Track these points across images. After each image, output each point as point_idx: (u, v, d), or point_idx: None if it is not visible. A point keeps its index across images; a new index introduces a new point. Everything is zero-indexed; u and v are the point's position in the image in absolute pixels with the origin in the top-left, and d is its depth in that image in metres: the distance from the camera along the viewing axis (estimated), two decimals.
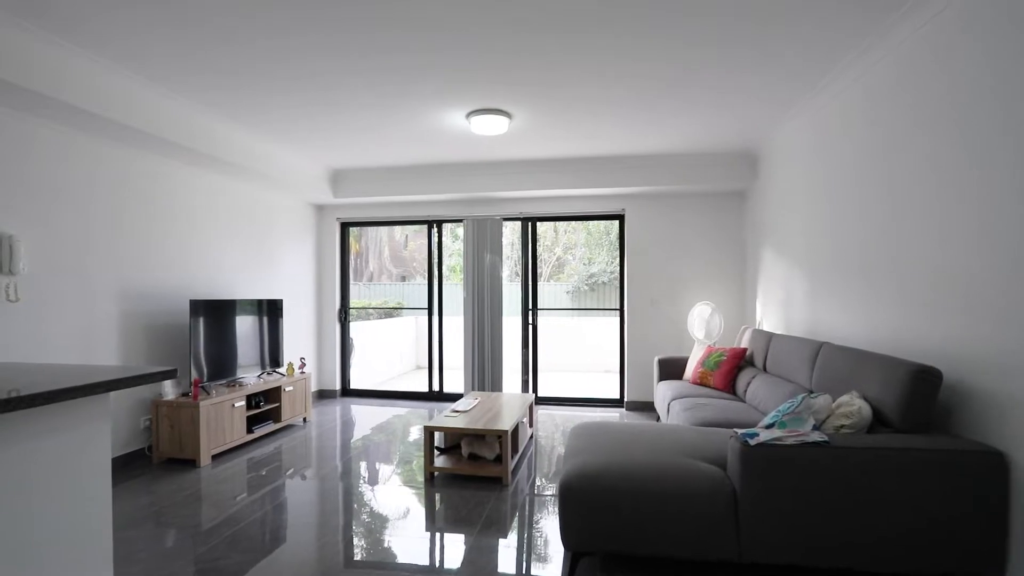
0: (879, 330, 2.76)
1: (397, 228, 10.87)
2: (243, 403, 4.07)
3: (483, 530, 2.68)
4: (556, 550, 2.48)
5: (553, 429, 4.69)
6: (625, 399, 5.56)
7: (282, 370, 4.81)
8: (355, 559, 2.41)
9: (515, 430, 3.65)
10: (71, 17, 2.48)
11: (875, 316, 2.80)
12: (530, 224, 5.81)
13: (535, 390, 5.83)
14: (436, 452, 3.61)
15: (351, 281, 6.39)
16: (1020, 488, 1.86)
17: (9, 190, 2.95)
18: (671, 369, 4.66)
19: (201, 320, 3.91)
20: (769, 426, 2.29)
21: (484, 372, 5.66)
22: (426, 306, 6.13)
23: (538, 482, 3.39)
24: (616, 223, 5.78)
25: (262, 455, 3.92)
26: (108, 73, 3.01)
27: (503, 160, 5.14)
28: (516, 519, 2.84)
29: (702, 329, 4.99)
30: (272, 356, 4.69)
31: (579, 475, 2.14)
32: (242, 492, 3.20)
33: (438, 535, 2.68)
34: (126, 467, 3.57)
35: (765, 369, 3.81)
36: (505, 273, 5.88)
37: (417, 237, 10.94)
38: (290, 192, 5.32)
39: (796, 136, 3.87)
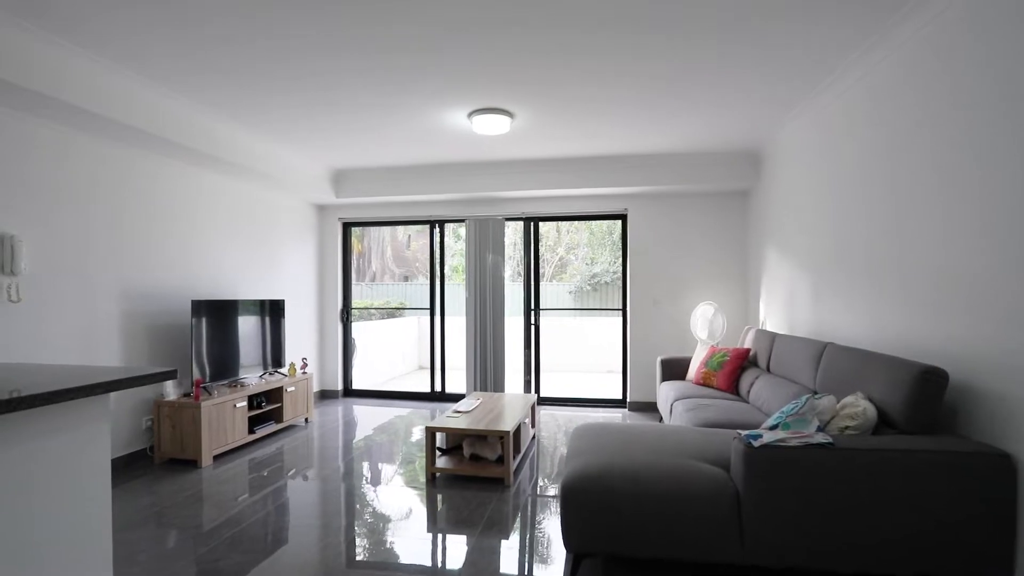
0: (884, 330, 2.74)
1: (400, 228, 10.87)
2: (245, 403, 4.07)
3: (485, 531, 2.66)
4: (558, 551, 2.46)
5: (555, 430, 4.68)
6: (628, 400, 5.54)
7: (284, 370, 4.81)
8: (357, 560, 2.40)
9: (517, 431, 3.64)
10: (71, 17, 2.48)
11: (880, 316, 2.78)
12: (532, 224, 5.80)
13: (537, 390, 5.82)
14: (438, 453, 3.60)
15: (353, 281, 6.39)
16: None
17: (10, 190, 2.95)
18: (674, 369, 4.65)
19: (203, 320, 3.91)
20: (773, 427, 2.27)
21: (486, 372, 5.65)
22: (428, 306, 6.12)
23: (540, 483, 3.37)
24: (619, 223, 5.76)
25: (264, 455, 3.92)
26: (108, 73, 3.01)
27: (505, 160, 5.13)
28: (518, 520, 2.83)
29: (705, 329, 4.96)
30: (274, 356, 4.69)
31: (581, 476, 2.13)
32: (244, 493, 3.19)
33: (440, 536, 2.67)
34: (128, 467, 3.57)
35: (769, 370, 3.79)
36: (507, 273, 5.86)
37: (420, 237, 10.93)
38: (292, 192, 5.31)
39: (799, 135, 3.85)
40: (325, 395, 6.13)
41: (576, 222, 8.74)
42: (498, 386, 5.64)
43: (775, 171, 4.43)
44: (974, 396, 2.09)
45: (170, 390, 3.81)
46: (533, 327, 5.81)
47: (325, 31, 2.62)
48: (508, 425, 3.37)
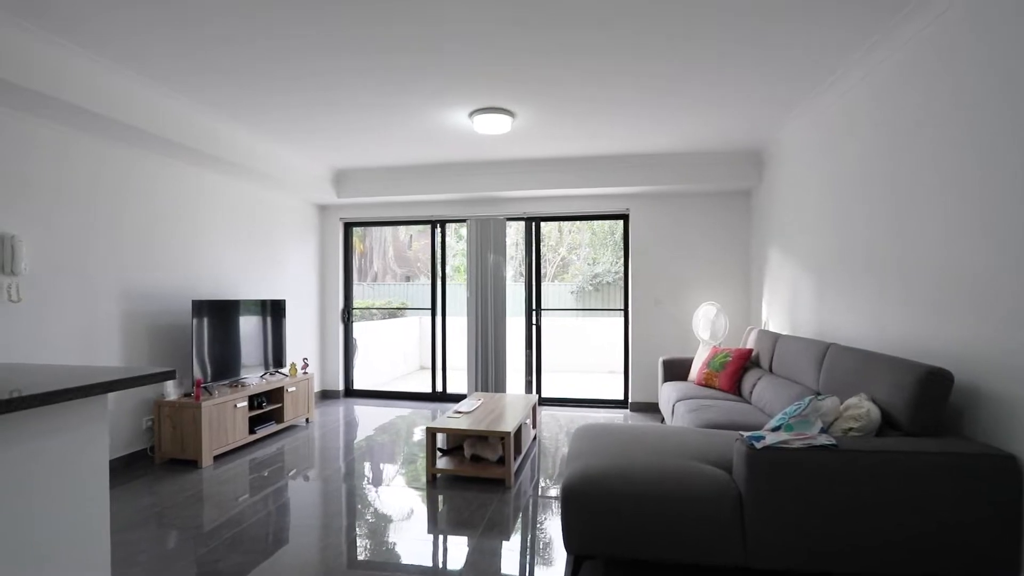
0: (887, 330, 2.72)
1: (402, 228, 10.87)
2: (245, 404, 4.06)
3: (485, 532, 2.65)
4: (559, 553, 2.45)
5: (557, 430, 4.66)
6: (629, 400, 5.52)
7: (285, 370, 4.80)
8: (357, 560, 2.39)
9: (518, 431, 3.63)
10: (71, 17, 2.47)
11: (883, 316, 2.76)
12: (534, 224, 5.79)
13: (539, 391, 5.80)
14: (439, 454, 3.59)
15: (356, 281, 6.39)
16: None
17: (10, 190, 2.95)
18: (676, 370, 4.63)
19: (204, 320, 3.91)
20: (776, 429, 2.25)
21: (488, 373, 5.64)
22: (430, 306, 6.11)
23: (541, 484, 3.36)
24: (620, 223, 5.75)
25: (264, 456, 3.91)
26: (109, 73, 3.01)
27: (506, 160, 5.12)
28: (519, 521, 2.81)
29: (707, 330, 4.95)
30: (275, 356, 4.68)
31: (582, 478, 2.12)
32: (244, 493, 3.19)
33: (440, 537, 2.66)
34: (128, 467, 3.56)
35: (771, 370, 3.77)
36: (509, 273, 5.85)
37: (421, 237, 10.93)
38: (293, 192, 5.31)
39: (801, 135, 3.83)
40: (326, 395, 6.13)
41: (578, 222, 8.73)
42: (499, 386, 5.63)
43: (777, 171, 4.41)
44: (979, 398, 2.08)
45: (171, 390, 3.80)
46: (534, 327, 5.80)
47: (325, 31, 2.61)
48: (509, 426, 3.35)
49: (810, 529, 1.92)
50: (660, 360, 4.77)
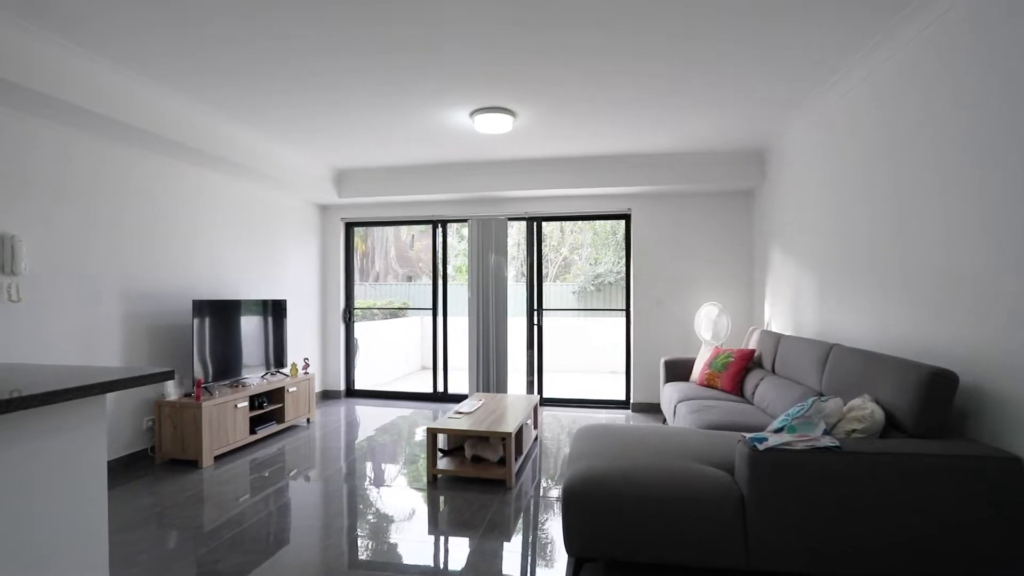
0: (890, 331, 2.71)
1: (403, 228, 10.86)
2: (246, 404, 4.06)
3: (486, 533, 2.64)
4: (560, 554, 2.44)
5: (558, 431, 4.65)
6: (631, 400, 5.51)
7: (286, 371, 4.80)
8: (358, 561, 2.38)
9: (519, 432, 3.62)
10: (71, 17, 2.47)
11: (886, 317, 2.75)
12: (535, 224, 5.78)
13: (540, 391, 5.79)
14: (440, 454, 3.58)
15: (357, 281, 6.39)
16: None
17: (10, 190, 2.95)
18: (678, 370, 4.61)
19: (204, 320, 3.90)
20: (778, 430, 2.24)
21: (489, 373, 5.63)
22: (431, 306, 6.11)
23: (543, 485, 3.35)
24: (622, 223, 5.73)
25: (265, 456, 3.91)
26: (109, 73, 3.01)
27: (508, 159, 5.11)
28: (520, 522, 2.80)
29: (709, 330, 4.93)
30: (276, 357, 4.68)
31: (583, 479, 2.10)
32: (245, 493, 3.18)
33: (441, 538, 2.65)
34: (128, 468, 3.56)
35: (774, 371, 3.75)
36: (510, 273, 5.84)
37: (423, 237, 10.92)
38: (294, 192, 5.31)
39: (803, 135, 3.82)
40: (327, 395, 6.12)
41: (580, 222, 8.72)
42: (501, 387, 5.62)
43: (780, 171, 4.40)
44: (983, 399, 2.06)
45: (171, 390, 3.80)
46: (536, 327, 5.79)
47: (325, 31, 2.61)
48: (510, 426, 3.34)
49: (813, 531, 1.91)
50: (662, 360, 4.76)
